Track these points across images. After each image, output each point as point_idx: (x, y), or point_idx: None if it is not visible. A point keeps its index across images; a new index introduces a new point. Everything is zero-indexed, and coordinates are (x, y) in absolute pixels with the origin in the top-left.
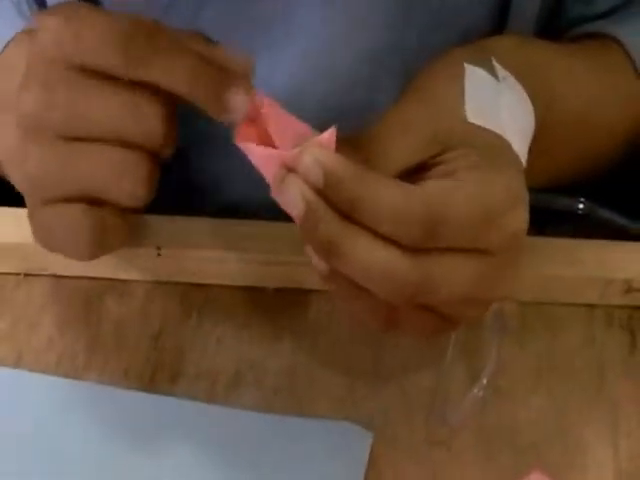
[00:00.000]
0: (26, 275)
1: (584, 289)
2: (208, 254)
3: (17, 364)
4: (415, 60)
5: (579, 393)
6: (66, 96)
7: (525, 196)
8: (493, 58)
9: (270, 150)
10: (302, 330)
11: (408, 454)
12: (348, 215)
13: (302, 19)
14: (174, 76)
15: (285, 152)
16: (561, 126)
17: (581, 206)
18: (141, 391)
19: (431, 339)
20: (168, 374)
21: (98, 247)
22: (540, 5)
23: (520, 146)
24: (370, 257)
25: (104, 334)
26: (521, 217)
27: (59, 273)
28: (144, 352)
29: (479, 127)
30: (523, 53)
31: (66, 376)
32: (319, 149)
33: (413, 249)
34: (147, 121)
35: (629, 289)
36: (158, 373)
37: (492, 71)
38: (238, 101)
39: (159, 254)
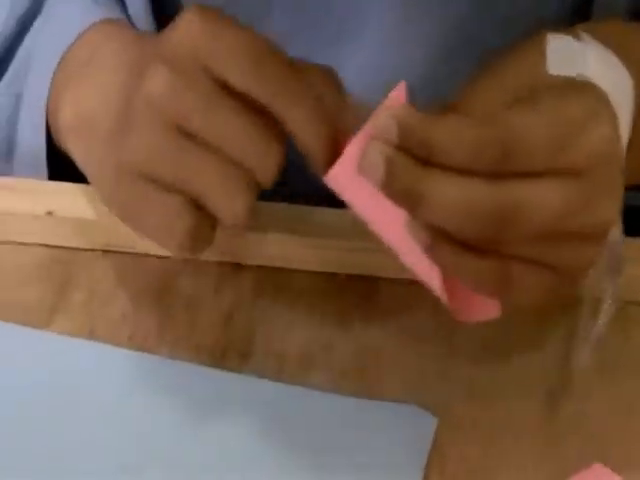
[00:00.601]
0: (104, 251)
1: None
2: (282, 238)
3: (91, 337)
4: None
5: None
6: (197, 97)
7: (611, 116)
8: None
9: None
10: (372, 315)
11: (473, 438)
12: (427, 161)
13: (375, 14)
14: (294, 114)
15: (358, 135)
16: None
17: None
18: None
19: (549, 301)
20: (238, 353)
21: (188, 244)
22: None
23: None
24: (452, 193)
25: (177, 312)
26: (604, 135)
27: (135, 251)
28: (215, 331)
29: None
30: (617, 33)
31: (138, 350)
32: (390, 108)
33: (494, 177)
34: (268, 157)
35: None
36: (229, 352)
37: (577, 37)
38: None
39: (235, 236)
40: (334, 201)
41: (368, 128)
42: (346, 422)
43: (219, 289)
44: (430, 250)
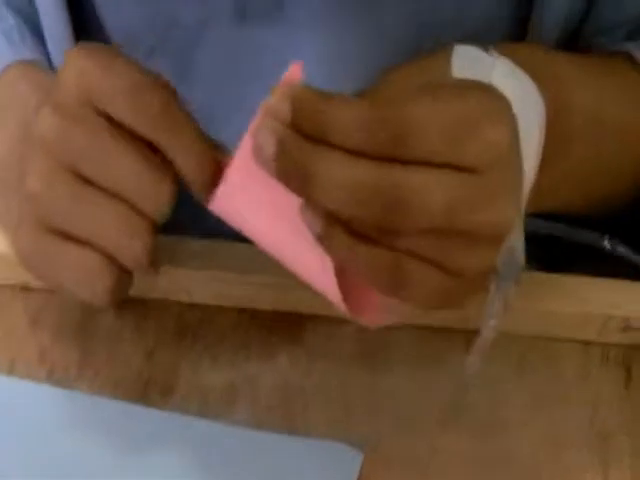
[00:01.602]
0: (22, 288)
1: (583, 326)
2: (203, 274)
3: (10, 373)
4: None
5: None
6: (86, 137)
7: (509, 119)
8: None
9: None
10: (298, 350)
11: (400, 473)
12: (319, 138)
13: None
14: (173, 145)
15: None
16: (577, 119)
17: (607, 243)
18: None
19: (446, 306)
20: (160, 388)
21: (111, 298)
22: (565, 12)
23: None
24: (340, 172)
25: (97, 347)
26: (500, 135)
27: None
28: (137, 366)
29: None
30: (533, 53)
31: (58, 386)
32: (284, 88)
33: (385, 162)
34: (159, 195)
35: (626, 328)
36: (150, 387)
37: (485, 49)
38: None
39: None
40: None
41: (260, 109)
42: (270, 460)
43: (141, 324)
44: (322, 239)
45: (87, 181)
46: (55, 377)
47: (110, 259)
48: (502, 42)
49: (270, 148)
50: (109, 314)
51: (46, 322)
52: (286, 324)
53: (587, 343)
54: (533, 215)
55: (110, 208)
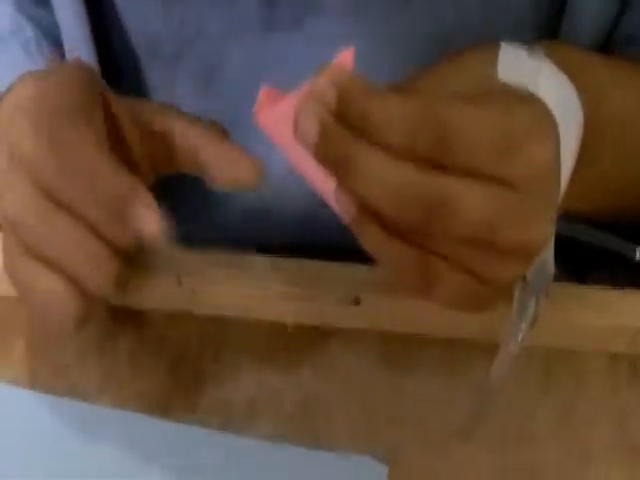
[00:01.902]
0: None
1: (611, 338)
2: (226, 287)
3: (32, 387)
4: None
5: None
6: (57, 151)
7: (553, 135)
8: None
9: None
10: (320, 363)
11: None
12: (362, 130)
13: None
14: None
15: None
16: (610, 125)
17: (638, 254)
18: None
19: (472, 309)
20: (183, 402)
21: (79, 320)
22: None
23: (560, 114)
24: (383, 169)
25: (120, 360)
26: (545, 152)
27: None
28: (161, 380)
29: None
30: (569, 53)
31: (80, 400)
32: (333, 71)
33: (428, 164)
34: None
35: None
36: (173, 401)
37: (531, 50)
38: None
39: (180, 284)
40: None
41: (307, 87)
42: (294, 474)
43: (163, 338)
44: (354, 223)
45: (60, 204)
46: (77, 391)
47: (75, 284)
48: (538, 40)
49: (312, 132)
50: (131, 328)
51: (68, 336)
52: (309, 337)
53: (615, 355)
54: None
55: (77, 233)
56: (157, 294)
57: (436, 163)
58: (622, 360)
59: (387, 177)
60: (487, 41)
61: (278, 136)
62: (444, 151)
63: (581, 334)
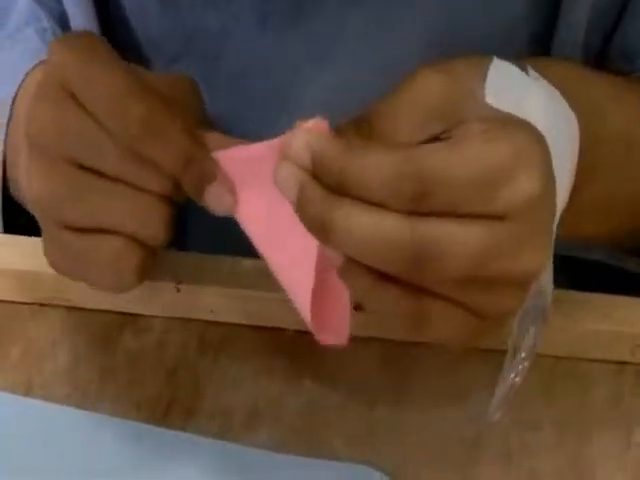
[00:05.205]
0: (42, 305)
1: (616, 345)
2: (227, 292)
3: (28, 394)
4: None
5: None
6: (74, 125)
7: (543, 161)
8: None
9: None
10: (322, 371)
11: None
12: (340, 190)
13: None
14: (167, 160)
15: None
16: (606, 146)
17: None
18: (154, 425)
19: (470, 344)
20: (182, 409)
21: (139, 278)
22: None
23: (550, 138)
24: (364, 225)
25: (118, 367)
26: (533, 182)
27: (75, 304)
28: (159, 386)
29: (497, 110)
30: (566, 72)
31: (78, 407)
32: (308, 132)
33: (412, 214)
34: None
35: None
36: (172, 408)
37: (523, 69)
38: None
39: (178, 290)
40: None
41: (279, 142)
42: None
43: (162, 343)
44: (342, 273)
45: (86, 169)
46: (75, 398)
47: (131, 240)
48: (535, 56)
49: (291, 193)
50: (130, 333)
51: (65, 342)
52: (310, 344)
53: (620, 363)
54: None
55: (116, 192)
56: (156, 300)
57: (421, 211)
58: (627, 368)
59: (368, 233)
60: (480, 50)
61: (239, 179)
62: (427, 201)
63: (585, 341)
